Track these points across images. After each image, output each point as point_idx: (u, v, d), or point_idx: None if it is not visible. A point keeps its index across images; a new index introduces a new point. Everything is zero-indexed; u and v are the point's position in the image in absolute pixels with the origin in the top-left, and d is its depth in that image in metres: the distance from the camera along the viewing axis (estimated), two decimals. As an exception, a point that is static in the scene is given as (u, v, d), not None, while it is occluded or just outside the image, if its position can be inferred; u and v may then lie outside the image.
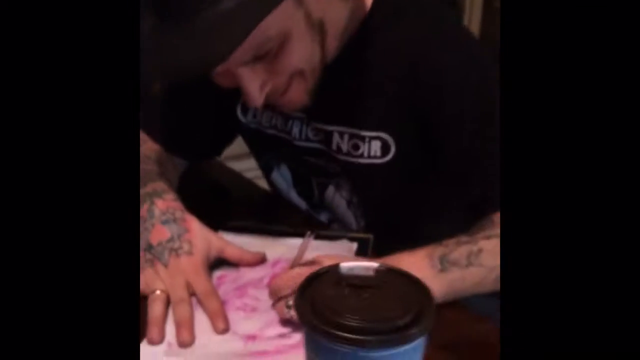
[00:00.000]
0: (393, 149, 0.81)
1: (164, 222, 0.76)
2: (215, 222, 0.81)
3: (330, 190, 0.91)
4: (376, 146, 0.82)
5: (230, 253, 0.78)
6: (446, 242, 0.71)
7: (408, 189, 0.86)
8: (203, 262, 0.75)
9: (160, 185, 0.82)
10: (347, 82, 0.81)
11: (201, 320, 0.70)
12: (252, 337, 0.68)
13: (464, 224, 0.78)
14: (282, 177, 0.96)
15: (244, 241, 0.82)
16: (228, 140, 1.02)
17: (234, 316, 0.70)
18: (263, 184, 1.09)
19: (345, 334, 0.41)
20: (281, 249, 0.82)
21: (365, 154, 0.82)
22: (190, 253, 0.74)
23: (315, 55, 0.74)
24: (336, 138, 0.84)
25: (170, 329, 0.69)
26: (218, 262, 0.79)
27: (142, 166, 0.88)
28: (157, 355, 0.65)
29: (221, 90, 0.77)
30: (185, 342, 0.66)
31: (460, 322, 0.67)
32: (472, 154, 0.78)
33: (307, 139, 0.88)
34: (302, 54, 0.72)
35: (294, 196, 0.96)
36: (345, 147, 0.83)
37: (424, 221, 0.90)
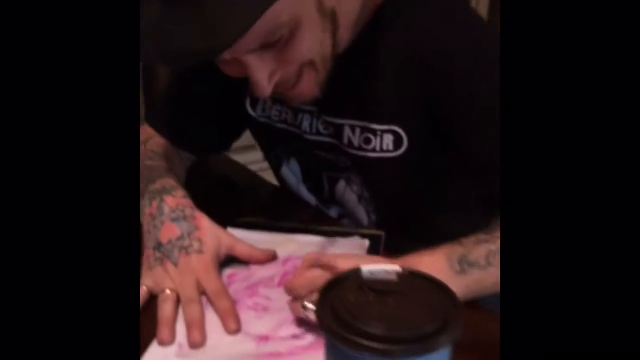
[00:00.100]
0: (405, 143, 0.80)
1: (174, 220, 0.74)
2: (223, 217, 0.79)
3: (341, 184, 0.89)
4: (388, 140, 0.80)
5: (240, 251, 0.77)
6: (465, 241, 0.69)
7: (420, 183, 0.85)
8: (213, 260, 0.73)
9: (169, 181, 0.80)
10: (359, 74, 0.79)
11: (212, 320, 0.69)
12: (264, 338, 0.66)
13: (478, 217, 0.76)
14: (292, 172, 0.95)
15: (253, 238, 0.81)
16: (236, 134, 1.00)
17: (246, 316, 0.69)
18: (268, 176, 1.07)
19: (369, 343, 0.40)
20: (292, 246, 0.81)
21: (377, 148, 0.81)
22: (200, 251, 0.73)
23: (326, 46, 0.72)
24: (347, 131, 0.82)
25: (180, 329, 0.67)
26: (228, 260, 0.77)
27: (149, 162, 0.87)
28: (168, 356, 0.64)
29: (229, 83, 0.76)
30: (197, 343, 0.65)
31: (478, 322, 0.66)
32: (485, 143, 0.76)
33: (318, 133, 0.86)
34: (313, 44, 0.70)
35: (303, 191, 0.95)
36: (356, 140, 0.82)
37: (436, 216, 0.88)
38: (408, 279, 0.46)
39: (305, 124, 0.87)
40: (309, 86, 0.74)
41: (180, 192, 0.78)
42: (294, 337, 0.66)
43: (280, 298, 0.69)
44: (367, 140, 0.81)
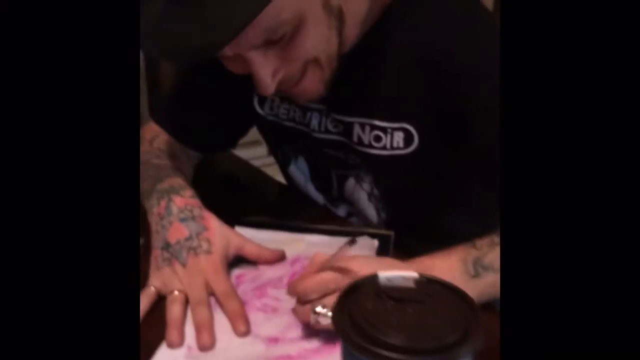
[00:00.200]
0: (416, 140, 0.79)
1: (182, 220, 0.74)
2: (230, 216, 0.78)
3: (351, 182, 0.88)
4: (399, 137, 0.79)
5: (249, 251, 0.76)
6: (479, 244, 0.68)
7: (431, 181, 0.84)
8: (222, 261, 0.73)
9: (178, 181, 0.79)
10: (368, 73, 0.78)
11: (221, 322, 0.68)
12: (274, 340, 0.66)
13: (488, 217, 0.76)
14: (300, 171, 0.94)
15: (261, 237, 0.80)
16: (243, 132, 0.99)
17: (255, 318, 0.68)
18: (272, 172, 1.06)
19: (390, 354, 0.39)
20: (300, 246, 0.80)
21: (388, 146, 0.80)
22: (209, 252, 0.72)
23: (331, 43, 0.71)
24: (357, 130, 0.81)
25: (189, 331, 0.67)
26: (236, 260, 0.77)
27: (156, 161, 0.86)
28: (178, 359, 0.64)
29: (236, 80, 0.75)
30: (206, 345, 0.64)
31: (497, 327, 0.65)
32: (495, 142, 0.75)
33: (327, 131, 0.85)
34: (317, 41, 0.69)
35: (311, 190, 0.94)
36: (366, 138, 0.81)
37: (447, 214, 0.88)
38: (426, 285, 0.45)
39: (314, 123, 0.86)
40: (313, 84, 0.73)
41: (188, 192, 0.77)
42: (304, 339, 0.65)
43: (289, 299, 0.68)
44: (378, 138, 0.80)
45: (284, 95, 0.79)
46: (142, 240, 0.80)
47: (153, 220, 0.76)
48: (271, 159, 1.02)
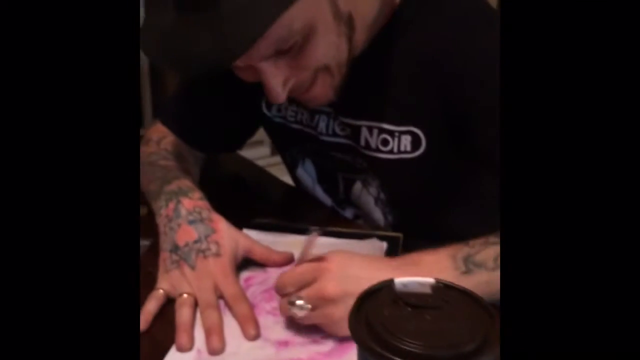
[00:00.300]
0: (424, 144, 0.78)
1: (191, 222, 0.73)
2: (237, 218, 0.78)
3: (357, 186, 0.88)
4: (406, 141, 0.79)
5: (258, 253, 0.76)
6: (472, 242, 0.67)
7: (438, 185, 0.83)
8: (231, 264, 0.72)
9: (186, 182, 0.79)
10: (376, 76, 0.78)
11: (230, 326, 0.68)
12: (284, 344, 0.65)
13: (495, 219, 0.75)
14: (307, 173, 0.94)
15: (269, 240, 0.80)
16: (250, 133, 0.99)
17: (264, 321, 0.68)
18: (277, 172, 1.06)
19: (408, 361, 0.39)
20: (308, 248, 0.80)
21: (395, 150, 0.79)
22: (218, 255, 0.72)
23: (342, 50, 0.71)
24: (364, 133, 0.81)
25: (199, 334, 0.66)
26: (244, 263, 0.76)
27: (163, 162, 0.86)
28: (188, 362, 0.63)
29: (243, 82, 0.74)
30: (216, 349, 0.64)
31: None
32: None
33: (334, 134, 0.85)
34: (328, 49, 0.69)
35: (319, 192, 0.93)
36: (373, 142, 0.80)
37: (454, 215, 0.87)
38: (443, 291, 0.44)
39: (322, 125, 0.85)
40: (323, 90, 0.73)
41: (197, 194, 0.77)
42: (315, 342, 0.65)
43: (298, 302, 0.68)
44: (385, 142, 0.80)
45: (294, 99, 0.78)
46: (149, 242, 0.80)
47: (161, 222, 0.76)
48: (275, 160, 1.02)
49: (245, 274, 0.76)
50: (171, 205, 0.75)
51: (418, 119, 0.78)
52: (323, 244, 0.80)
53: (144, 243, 0.79)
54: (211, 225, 0.74)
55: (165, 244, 0.74)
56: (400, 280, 0.45)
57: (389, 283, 0.45)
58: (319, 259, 0.64)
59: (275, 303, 0.71)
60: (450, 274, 0.64)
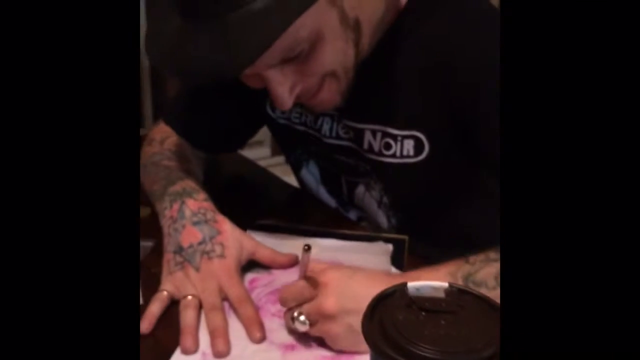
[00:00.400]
0: (427, 148, 0.78)
1: (195, 224, 0.73)
2: (240, 219, 0.77)
3: (360, 189, 0.87)
4: (409, 145, 0.78)
5: (263, 255, 0.75)
6: (473, 259, 0.65)
7: (441, 189, 0.83)
8: (236, 265, 0.72)
9: (190, 183, 0.78)
10: (380, 80, 0.77)
11: (235, 328, 0.67)
12: (290, 347, 0.65)
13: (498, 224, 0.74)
14: (311, 174, 0.93)
15: (273, 241, 0.79)
16: (253, 133, 0.99)
17: (270, 324, 0.67)
18: (278, 172, 1.05)
19: (424, 367, 0.38)
20: (313, 250, 0.79)
21: (398, 154, 0.79)
22: (222, 256, 0.71)
23: (349, 55, 0.70)
24: (368, 136, 0.80)
25: (203, 337, 0.66)
26: (249, 264, 0.76)
27: (167, 162, 0.85)
28: (192, 365, 0.63)
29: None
30: (221, 352, 0.64)
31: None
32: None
33: (338, 137, 0.84)
34: (335, 55, 0.69)
35: (323, 194, 0.93)
36: (376, 146, 0.80)
37: (457, 221, 0.86)
38: (457, 296, 0.44)
39: (326, 128, 0.85)
40: (330, 96, 0.73)
41: (201, 195, 0.76)
42: (321, 346, 0.64)
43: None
44: (388, 146, 0.79)
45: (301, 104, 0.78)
46: (152, 243, 0.79)
47: (165, 223, 0.75)
48: (275, 160, 1.02)
49: (249, 276, 0.75)
50: (175, 206, 0.75)
51: (421, 123, 0.77)
52: (329, 246, 0.80)
53: (147, 244, 0.79)
54: (216, 226, 0.73)
55: (169, 245, 0.73)
56: (413, 284, 0.45)
57: (402, 287, 0.44)
58: (320, 272, 0.64)
59: (280, 306, 0.70)
60: None
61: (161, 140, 0.90)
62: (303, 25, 0.62)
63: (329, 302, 0.61)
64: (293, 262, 0.76)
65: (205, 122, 0.91)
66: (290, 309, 0.65)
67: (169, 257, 0.72)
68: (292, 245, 0.79)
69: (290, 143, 0.93)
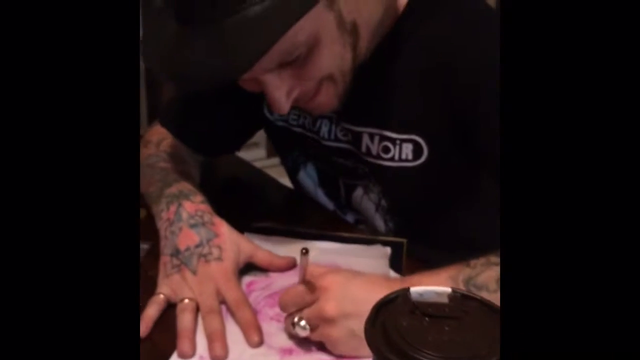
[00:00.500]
0: (426, 153, 0.77)
1: (192, 226, 0.72)
2: (237, 221, 0.76)
3: (359, 192, 0.87)
4: (407, 149, 0.78)
5: (261, 258, 0.75)
6: (474, 263, 0.64)
7: (440, 193, 0.82)
8: (233, 268, 0.71)
9: (187, 185, 0.78)
10: (379, 83, 0.77)
11: (233, 332, 0.66)
12: (288, 351, 0.64)
13: (498, 228, 0.74)
14: (309, 177, 0.92)
15: (271, 244, 0.79)
16: (250, 135, 0.98)
17: (268, 327, 0.67)
18: (274, 174, 1.05)
19: (428, 373, 0.38)
20: (311, 253, 0.78)
21: (396, 157, 0.78)
22: (220, 259, 0.70)
23: (346, 59, 0.70)
24: (366, 139, 0.80)
25: (201, 340, 0.65)
26: (246, 267, 0.75)
27: (163, 164, 0.85)
28: (190, 369, 0.62)
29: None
30: (219, 356, 0.63)
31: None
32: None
33: (336, 139, 0.84)
34: (333, 59, 0.68)
35: (321, 196, 0.92)
36: (375, 149, 0.79)
37: (456, 225, 0.86)
38: (460, 301, 0.43)
39: (324, 130, 0.84)
40: (327, 99, 0.72)
41: (199, 197, 0.76)
42: (320, 350, 0.64)
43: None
44: (386, 149, 0.79)
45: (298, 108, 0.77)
46: (148, 246, 0.78)
47: (162, 225, 0.75)
48: (271, 162, 1.01)
49: (247, 279, 0.75)
50: (172, 208, 0.74)
51: (420, 127, 0.77)
52: (327, 249, 0.79)
53: (144, 246, 0.78)
54: (213, 229, 0.72)
55: (166, 248, 0.72)
56: (416, 289, 0.44)
57: (405, 292, 0.44)
58: (320, 277, 0.63)
59: (278, 309, 0.69)
60: None
61: (157, 142, 0.89)
62: (301, 29, 0.61)
63: (329, 306, 0.60)
64: (291, 265, 0.76)
65: (202, 125, 0.91)
66: (290, 314, 0.64)
67: (165, 259, 0.72)
68: (289, 248, 0.78)
69: (288, 145, 0.92)
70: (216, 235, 0.72)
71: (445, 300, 0.44)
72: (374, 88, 0.77)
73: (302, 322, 0.62)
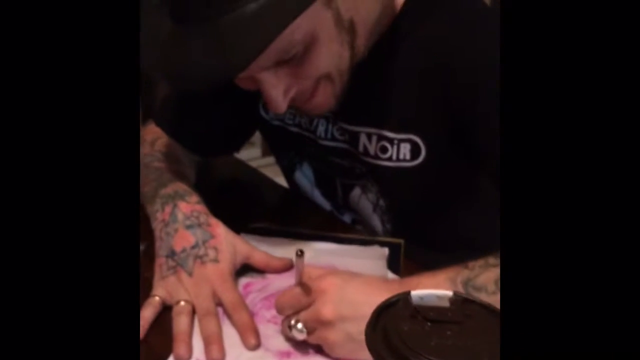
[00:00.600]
0: (424, 152, 0.76)
1: (188, 227, 0.71)
2: (233, 222, 0.75)
3: (356, 192, 0.86)
4: (405, 149, 0.77)
5: (257, 260, 0.74)
6: (472, 265, 0.64)
7: (438, 193, 0.82)
8: (230, 270, 0.70)
9: (182, 186, 0.77)
10: (377, 82, 0.76)
11: (230, 334, 0.66)
12: (286, 354, 0.63)
13: (496, 228, 0.73)
14: (305, 177, 0.92)
15: (267, 245, 0.78)
16: (247, 136, 0.97)
17: (265, 330, 0.66)
18: (269, 173, 1.04)
19: (431, 379, 0.37)
20: (308, 254, 0.78)
21: (394, 157, 0.78)
22: (216, 261, 0.70)
23: (344, 58, 0.69)
24: (363, 139, 0.79)
25: (197, 343, 0.64)
26: (242, 269, 0.74)
27: (158, 164, 0.84)
28: (186, 373, 0.61)
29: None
30: (216, 359, 0.62)
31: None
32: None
33: (333, 139, 0.83)
34: (330, 58, 0.67)
35: (317, 196, 0.91)
36: (372, 149, 0.79)
37: (455, 222, 0.85)
38: (462, 305, 0.43)
39: (321, 129, 0.84)
40: (325, 99, 0.71)
41: (194, 198, 0.75)
42: (318, 353, 0.63)
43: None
44: (384, 149, 0.78)
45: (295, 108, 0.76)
46: (143, 246, 0.77)
47: (157, 226, 0.74)
48: (266, 161, 1.00)
49: (243, 281, 0.74)
50: (167, 209, 0.73)
51: (418, 127, 0.76)
52: (324, 250, 0.79)
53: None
54: (209, 230, 0.72)
55: (161, 249, 0.72)
56: (417, 292, 0.44)
57: (406, 295, 0.43)
58: (317, 279, 0.63)
59: (276, 312, 0.69)
60: None
61: (152, 141, 0.88)
62: (298, 28, 0.61)
63: (326, 309, 0.59)
64: (288, 267, 0.75)
65: (197, 125, 0.90)
66: (287, 317, 0.63)
67: (161, 261, 0.71)
68: (286, 249, 0.77)
69: (284, 145, 0.91)
70: (212, 236, 0.71)
71: (446, 304, 0.43)
72: (371, 87, 0.76)
73: (299, 325, 0.62)
